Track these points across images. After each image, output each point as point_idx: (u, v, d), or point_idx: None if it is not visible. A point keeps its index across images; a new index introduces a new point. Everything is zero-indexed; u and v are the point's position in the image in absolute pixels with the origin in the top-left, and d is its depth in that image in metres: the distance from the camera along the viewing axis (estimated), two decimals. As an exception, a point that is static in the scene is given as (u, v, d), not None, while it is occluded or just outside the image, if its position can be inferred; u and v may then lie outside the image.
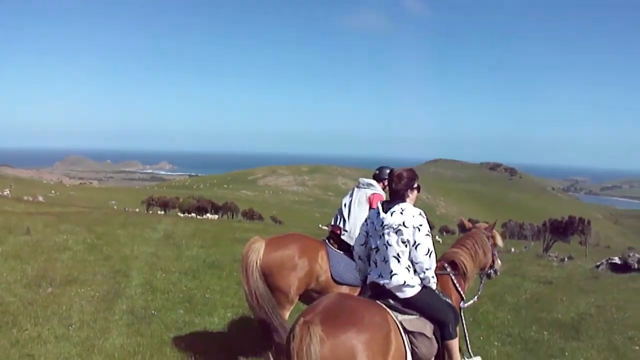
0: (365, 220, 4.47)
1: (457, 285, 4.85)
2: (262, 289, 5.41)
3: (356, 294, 4.81)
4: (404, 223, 4.07)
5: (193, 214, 57.32)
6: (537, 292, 10.46)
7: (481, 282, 5.35)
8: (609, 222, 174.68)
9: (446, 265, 4.89)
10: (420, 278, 4.16)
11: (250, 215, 72.86)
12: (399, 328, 3.86)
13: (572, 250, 35.63)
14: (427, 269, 4.13)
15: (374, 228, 4.27)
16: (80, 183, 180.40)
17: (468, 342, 5.03)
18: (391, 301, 4.08)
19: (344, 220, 6.03)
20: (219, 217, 60.59)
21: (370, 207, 5.87)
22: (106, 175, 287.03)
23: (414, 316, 4.07)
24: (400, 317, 3.99)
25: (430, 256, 4.11)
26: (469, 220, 5.69)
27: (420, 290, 4.15)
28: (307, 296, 5.72)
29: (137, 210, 57.12)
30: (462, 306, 4.88)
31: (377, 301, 4.04)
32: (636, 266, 13.74)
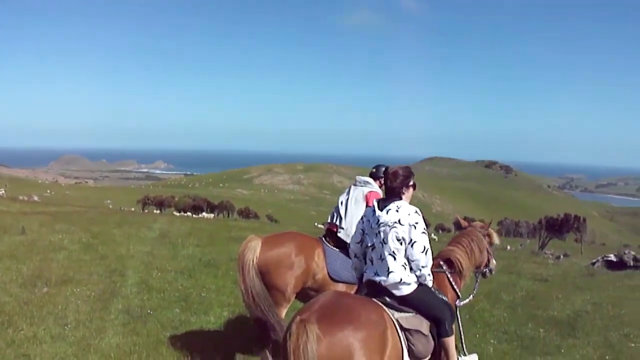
0: (361, 218, 4.48)
1: (453, 282, 4.86)
2: (259, 287, 5.40)
3: (353, 291, 4.81)
4: (399, 221, 4.07)
5: (189, 213, 57.26)
6: (532, 289, 10.49)
7: (477, 281, 5.35)
8: (605, 220, 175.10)
9: (442, 263, 4.90)
10: (417, 276, 4.17)
11: (246, 214, 72.74)
12: (395, 326, 3.87)
13: (567, 247, 35.73)
14: (423, 267, 4.13)
15: (369, 226, 4.27)
16: (76, 182, 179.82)
17: (463, 339, 5.04)
18: (387, 299, 4.09)
19: (341, 218, 6.03)
20: (214, 216, 60.53)
21: (367, 205, 5.87)
22: (102, 175, 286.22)
23: (411, 314, 4.07)
24: (397, 314, 4.00)
25: (426, 254, 4.12)
26: (465, 219, 5.71)
27: (417, 288, 4.16)
28: (304, 294, 5.71)
29: (133, 209, 56.97)
30: (457, 304, 4.88)
31: (374, 299, 4.05)
32: (632, 263, 13.78)
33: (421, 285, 4.21)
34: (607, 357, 6.61)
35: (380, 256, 4.14)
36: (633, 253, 14.63)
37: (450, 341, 4.27)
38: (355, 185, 6.23)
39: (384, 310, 3.91)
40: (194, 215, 46.88)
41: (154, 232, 15.10)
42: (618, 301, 9.36)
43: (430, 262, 4.22)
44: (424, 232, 4.12)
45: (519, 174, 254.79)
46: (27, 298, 7.70)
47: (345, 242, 5.80)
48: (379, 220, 4.15)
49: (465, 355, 4.91)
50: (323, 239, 6.07)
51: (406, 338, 3.92)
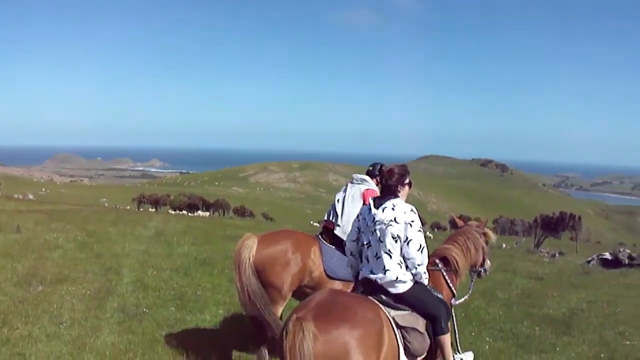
0: (357, 217, 4.48)
1: (449, 281, 4.86)
2: (255, 285, 5.39)
3: (349, 289, 4.81)
4: (395, 219, 4.07)
5: (184, 212, 57.12)
6: (528, 287, 10.52)
7: (472, 280, 5.36)
8: (600, 218, 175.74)
9: (438, 261, 4.89)
10: (412, 274, 4.18)
11: (241, 212, 72.65)
12: (391, 324, 3.87)
13: (563, 245, 35.78)
14: (418, 265, 4.14)
15: (365, 224, 4.27)
16: (71, 181, 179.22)
17: (457, 337, 5.05)
18: (383, 297, 4.09)
19: (337, 216, 6.02)
20: (210, 215, 60.41)
21: (364, 203, 5.87)
22: (97, 173, 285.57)
23: (406, 312, 4.08)
24: (393, 312, 4.00)
25: (422, 252, 4.12)
26: (460, 217, 5.71)
27: (412, 286, 4.16)
28: (301, 292, 5.71)
29: (128, 207, 56.92)
30: (453, 303, 4.89)
31: (370, 297, 4.05)
32: (627, 261, 13.83)
33: (417, 283, 4.21)
34: (602, 355, 6.62)
35: (376, 254, 4.14)
36: (628, 251, 14.68)
37: (446, 339, 4.27)
38: (352, 183, 6.22)
39: (380, 308, 3.92)
40: (189, 214, 46.78)
41: (150, 231, 15.08)
42: (613, 299, 9.40)
43: (426, 260, 4.22)
44: (419, 231, 4.13)
45: (515, 172, 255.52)
46: (22, 297, 7.68)
47: (341, 240, 5.79)
48: (374, 218, 4.15)
49: (459, 353, 4.91)
50: (319, 236, 6.07)
51: (402, 336, 3.93)
